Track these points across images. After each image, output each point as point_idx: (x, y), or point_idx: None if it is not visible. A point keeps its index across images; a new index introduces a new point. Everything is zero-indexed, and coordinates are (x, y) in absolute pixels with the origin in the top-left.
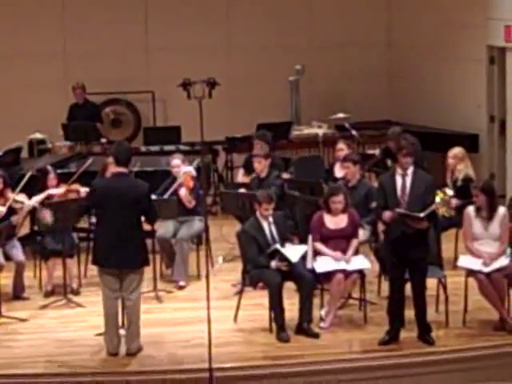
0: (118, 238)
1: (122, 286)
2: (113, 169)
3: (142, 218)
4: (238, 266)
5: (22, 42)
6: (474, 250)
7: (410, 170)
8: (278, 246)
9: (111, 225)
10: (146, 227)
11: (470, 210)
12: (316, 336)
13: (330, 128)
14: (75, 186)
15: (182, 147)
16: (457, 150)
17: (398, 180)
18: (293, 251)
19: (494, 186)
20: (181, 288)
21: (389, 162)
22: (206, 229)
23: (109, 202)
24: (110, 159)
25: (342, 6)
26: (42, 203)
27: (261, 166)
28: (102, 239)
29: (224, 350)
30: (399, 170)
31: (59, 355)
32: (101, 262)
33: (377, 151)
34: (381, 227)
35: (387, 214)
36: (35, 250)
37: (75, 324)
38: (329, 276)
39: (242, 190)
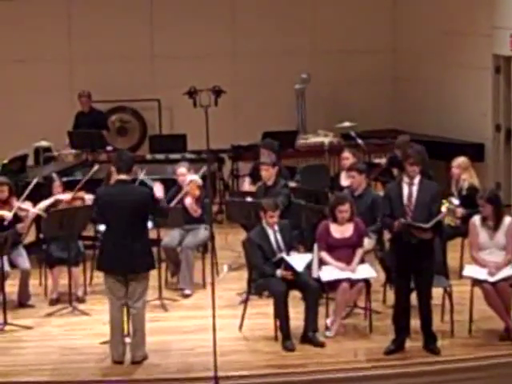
0: (122, 244)
1: (127, 294)
2: (116, 176)
3: (149, 225)
4: (244, 274)
5: (28, 49)
6: (480, 260)
7: (417, 179)
8: (283, 254)
9: (115, 231)
10: (152, 236)
11: (476, 219)
12: (321, 345)
13: (336, 137)
14: (80, 194)
15: (187, 155)
16: (461, 160)
17: (405, 189)
18: (298, 260)
19: (499, 196)
20: (186, 296)
21: (395, 171)
22: (212, 237)
23: (111, 210)
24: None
25: (348, 13)
26: (47, 210)
27: (268, 173)
28: (107, 245)
29: (229, 358)
30: (406, 179)
31: (64, 363)
32: (105, 266)
33: (383, 160)
34: (387, 236)
35: (397, 224)
36: (41, 257)
37: (80, 332)
38: (334, 285)
39: (249, 199)
